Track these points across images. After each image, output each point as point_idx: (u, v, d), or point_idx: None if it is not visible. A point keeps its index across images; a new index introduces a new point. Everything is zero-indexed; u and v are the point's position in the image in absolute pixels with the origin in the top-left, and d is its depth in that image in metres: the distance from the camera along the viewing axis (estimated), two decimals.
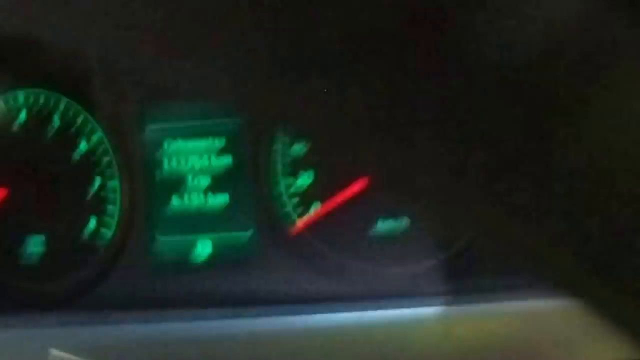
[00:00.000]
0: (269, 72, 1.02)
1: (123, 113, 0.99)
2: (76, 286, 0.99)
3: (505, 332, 0.87)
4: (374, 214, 0.96)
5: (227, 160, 0.98)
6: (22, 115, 1.00)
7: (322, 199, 0.96)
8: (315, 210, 0.96)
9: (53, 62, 0.99)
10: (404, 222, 0.96)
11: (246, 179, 0.98)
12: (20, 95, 1.00)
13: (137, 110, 0.99)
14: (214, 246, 0.98)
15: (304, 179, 0.97)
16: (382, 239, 0.96)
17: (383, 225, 0.96)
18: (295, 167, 0.97)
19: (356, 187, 0.95)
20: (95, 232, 0.99)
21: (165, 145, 0.98)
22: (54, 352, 0.81)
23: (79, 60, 0.98)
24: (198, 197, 0.98)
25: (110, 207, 0.99)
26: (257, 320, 0.91)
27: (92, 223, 0.99)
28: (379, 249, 0.96)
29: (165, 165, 0.99)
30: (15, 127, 1.00)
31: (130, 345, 0.90)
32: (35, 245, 0.99)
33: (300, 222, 0.97)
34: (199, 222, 0.98)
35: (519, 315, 0.88)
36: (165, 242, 0.99)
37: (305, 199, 0.97)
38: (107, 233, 0.99)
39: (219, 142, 0.98)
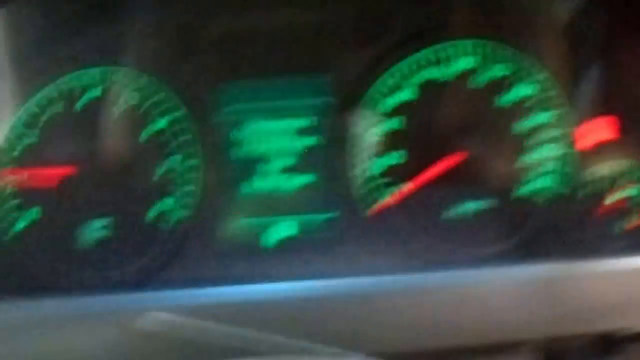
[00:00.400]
0: (358, 45, 1.00)
1: (205, 90, 0.96)
2: (144, 268, 0.95)
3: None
4: (459, 196, 0.94)
5: (310, 140, 0.95)
6: (97, 92, 0.97)
7: (409, 178, 0.94)
8: (401, 190, 0.94)
9: (132, 38, 0.97)
10: (485, 204, 0.94)
11: (330, 160, 0.95)
12: (96, 72, 0.97)
13: (219, 88, 0.96)
14: (294, 229, 0.95)
15: (392, 159, 0.95)
16: (458, 220, 0.94)
17: (460, 208, 0.94)
18: (384, 147, 0.95)
19: (451, 162, 0.93)
20: (169, 213, 0.96)
21: (246, 124, 0.96)
22: (153, 314, 0.77)
23: (160, 36, 0.96)
24: (278, 178, 0.95)
25: (186, 188, 0.96)
26: (333, 294, 0.86)
27: (165, 204, 0.96)
28: (462, 230, 0.94)
29: (245, 146, 0.96)
30: (88, 103, 0.97)
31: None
32: (100, 227, 0.96)
33: (384, 203, 0.94)
34: (278, 203, 0.95)
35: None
36: (241, 224, 0.95)
37: (392, 178, 0.95)
38: (182, 214, 0.96)
39: (302, 122, 0.95)
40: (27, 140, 0.97)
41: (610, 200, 0.96)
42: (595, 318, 0.82)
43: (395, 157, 0.95)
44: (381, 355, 0.70)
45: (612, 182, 0.96)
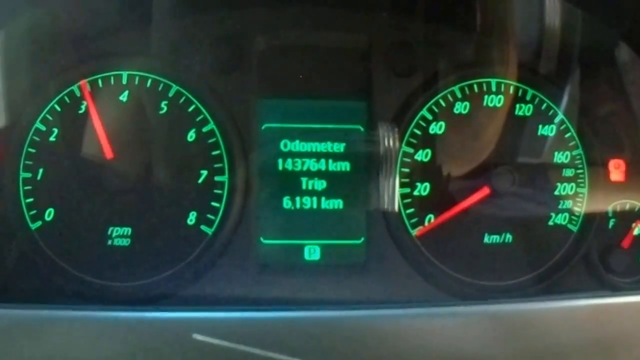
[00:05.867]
0: (396, 75, 1.00)
1: (242, 107, 0.95)
2: (171, 283, 0.93)
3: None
4: (483, 228, 0.98)
5: (344, 165, 0.96)
6: (124, 97, 0.93)
7: (438, 211, 0.97)
8: (430, 221, 0.97)
9: (166, 46, 0.93)
10: (508, 237, 0.98)
11: (359, 187, 0.96)
12: (124, 76, 0.93)
13: (258, 106, 0.95)
14: (323, 252, 0.96)
15: (420, 190, 0.97)
16: (488, 252, 0.98)
17: (489, 240, 0.98)
18: (414, 178, 0.97)
19: (477, 197, 0.96)
20: (195, 229, 0.94)
21: (282, 145, 0.95)
22: (197, 336, 0.76)
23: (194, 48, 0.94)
24: (311, 200, 0.95)
25: (214, 204, 0.94)
26: (362, 321, 0.86)
27: (192, 218, 0.94)
28: (484, 261, 0.98)
29: (280, 166, 0.95)
30: (115, 107, 0.93)
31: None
32: (120, 236, 0.93)
33: (415, 232, 0.97)
34: (310, 226, 0.95)
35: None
36: (272, 245, 0.95)
37: (421, 209, 0.97)
38: (208, 230, 0.94)
39: (338, 147, 0.96)
40: (45, 138, 0.93)
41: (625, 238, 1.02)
42: (623, 351, 0.83)
43: (423, 189, 0.97)
44: None
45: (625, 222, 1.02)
